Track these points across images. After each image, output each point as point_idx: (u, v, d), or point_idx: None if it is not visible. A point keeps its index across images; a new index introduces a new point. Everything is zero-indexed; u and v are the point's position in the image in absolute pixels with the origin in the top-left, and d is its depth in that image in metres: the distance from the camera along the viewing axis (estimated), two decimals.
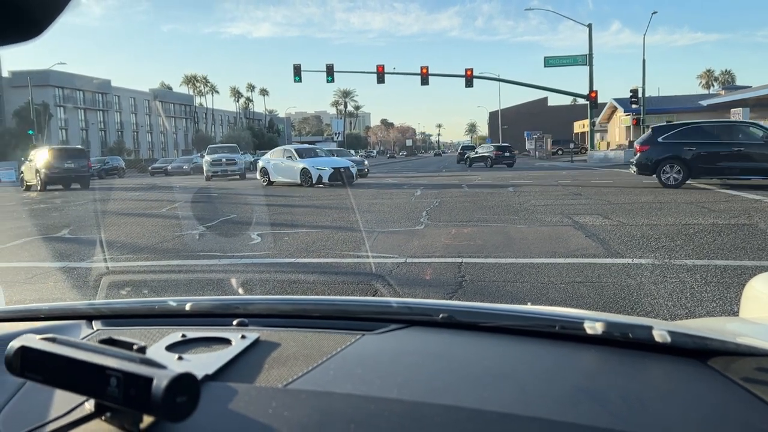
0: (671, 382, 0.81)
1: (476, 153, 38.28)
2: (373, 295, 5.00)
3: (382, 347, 0.98)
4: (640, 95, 34.40)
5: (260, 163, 22.31)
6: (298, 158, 20.20)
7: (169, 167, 43.73)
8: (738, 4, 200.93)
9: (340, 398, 0.76)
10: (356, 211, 11.13)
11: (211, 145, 32.15)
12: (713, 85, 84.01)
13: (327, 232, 8.53)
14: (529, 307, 1.10)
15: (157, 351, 0.91)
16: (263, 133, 72.58)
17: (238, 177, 28.26)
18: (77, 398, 0.73)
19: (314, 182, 19.10)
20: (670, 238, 7.05)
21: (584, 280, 5.12)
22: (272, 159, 21.58)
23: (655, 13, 34.85)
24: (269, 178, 21.26)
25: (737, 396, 0.76)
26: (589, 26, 36.35)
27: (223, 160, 28.25)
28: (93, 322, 1.19)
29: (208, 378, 0.81)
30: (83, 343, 0.70)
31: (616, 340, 0.92)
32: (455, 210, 11.07)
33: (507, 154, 33.71)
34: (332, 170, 19.28)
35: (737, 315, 1.45)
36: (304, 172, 19.48)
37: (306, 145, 25.80)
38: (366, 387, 0.79)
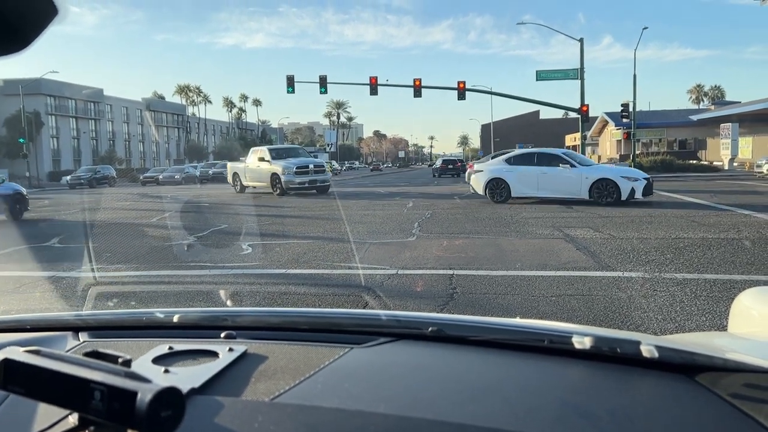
0: (659, 397, 0.81)
1: (435, 165, 46.12)
2: (364, 308, 4.99)
3: (371, 361, 0.98)
4: (631, 109, 34.68)
5: (481, 176, 15.85)
6: (578, 165, 14.75)
7: (161, 177, 43.60)
8: (727, 22, 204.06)
9: (327, 412, 0.76)
10: (346, 222, 11.12)
11: (269, 147, 24.47)
12: (703, 100, 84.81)
13: (319, 242, 8.52)
14: (518, 321, 1.10)
15: (143, 364, 0.90)
16: (256, 143, 72.55)
17: (315, 191, 21.02)
18: (61, 412, 0.72)
19: (624, 198, 13.79)
20: (661, 251, 7.09)
21: (575, 293, 5.13)
22: (513, 167, 15.35)
23: (645, 28, 35.23)
24: (509, 192, 15.19)
25: (725, 412, 0.76)
26: (581, 41, 36.65)
27: (311, 166, 20.98)
28: (79, 333, 1.18)
29: (194, 391, 0.80)
30: (67, 356, 0.70)
31: (605, 355, 0.92)
32: (447, 221, 11.09)
33: (450, 166, 40.07)
34: (646, 182, 14.25)
35: (726, 329, 1.45)
36: (603, 185, 14.00)
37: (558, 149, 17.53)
38: (353, 401, 0.79)
